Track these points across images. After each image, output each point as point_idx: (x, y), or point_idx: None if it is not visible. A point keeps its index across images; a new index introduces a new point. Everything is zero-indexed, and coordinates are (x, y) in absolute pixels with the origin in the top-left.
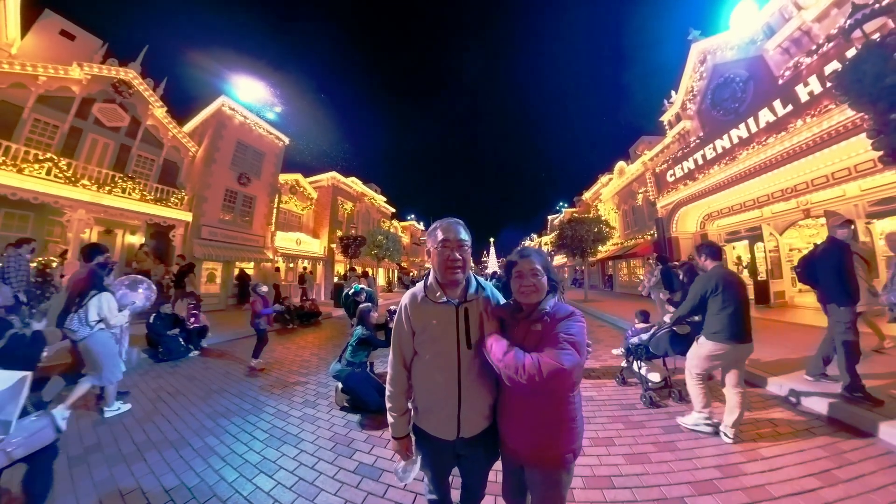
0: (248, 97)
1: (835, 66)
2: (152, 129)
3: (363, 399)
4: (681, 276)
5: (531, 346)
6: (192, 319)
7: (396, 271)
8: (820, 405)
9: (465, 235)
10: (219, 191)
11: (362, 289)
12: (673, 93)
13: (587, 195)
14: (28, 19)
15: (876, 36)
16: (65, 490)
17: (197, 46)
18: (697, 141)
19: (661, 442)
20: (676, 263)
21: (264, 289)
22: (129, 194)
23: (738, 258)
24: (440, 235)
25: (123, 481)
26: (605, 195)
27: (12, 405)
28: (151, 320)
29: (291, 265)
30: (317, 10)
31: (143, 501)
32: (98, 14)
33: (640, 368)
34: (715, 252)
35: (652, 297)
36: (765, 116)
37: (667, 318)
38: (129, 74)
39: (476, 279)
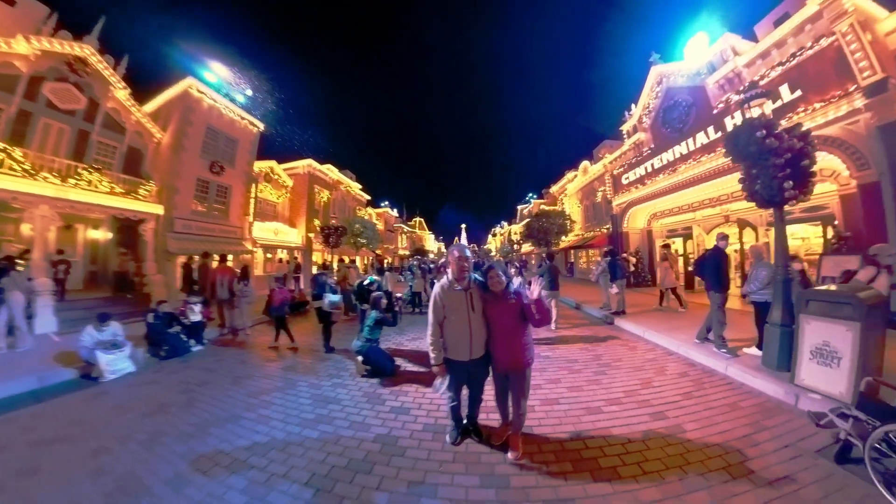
0: (216, 78)
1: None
2: (113, 112)
3: (381, 366)
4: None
5: (511, 313)
6: (192, 312)
7: (373, 258)
8: (697, 355)
9: (468, 254)
10: (190, 181)
11: (375, 280)
12: (633, 106)
13: (555, 188)
14: None
15: (757, 111)
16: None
17: (156, 19)
18: (649, 151)
19: (590, 380)
20: (624, 255)
21: (282, 283)
22: (96, 187)
23: (675, 251)
24: (457, 254)
25: (200, 449)
26: (570, 190)
27: None
28: (151, 320)
29: (269, 255)
30: None
31: (230, 459)
32: None
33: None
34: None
35: (600, 283)
36: (700, 139)
37: (612, 296)
38: (86, 50)
39: (472, 275)
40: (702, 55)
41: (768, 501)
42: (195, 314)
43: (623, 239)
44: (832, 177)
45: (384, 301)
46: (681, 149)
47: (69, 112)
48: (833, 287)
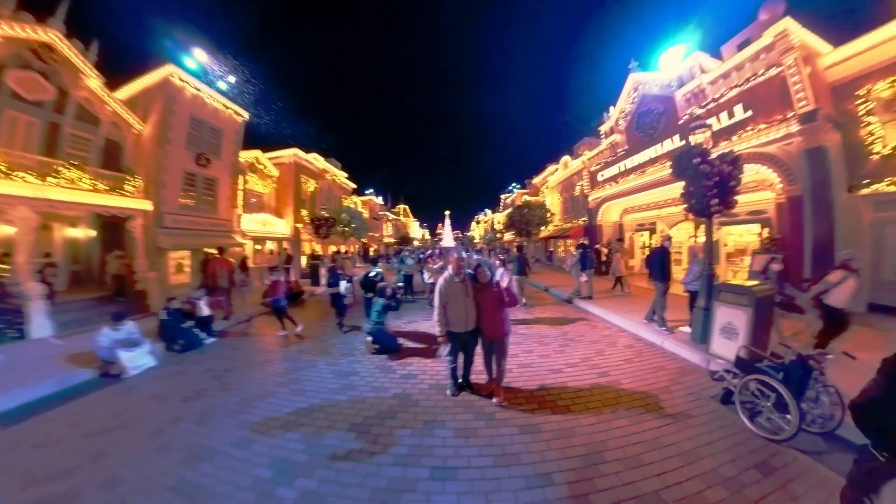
0: (196, 64)
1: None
2: (85, 102)
3: (388, 344)
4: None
5: (493, 298)
6: (201, 306)
7: (359, 247)
8: (642, 332)
9: (464, 254)
10: (177, 174)
11: (379, 272)
12: (612, 108)
13: (537, 180)
14: None
15: (701, 138)
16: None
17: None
18: (623, 153)
19: (556, 350)
20: (597, 246)
21: (281, 276)
22: (78, 184)
23: (644, 244)
24: (456, 256)
25: (251, 419)
26: (550, 182)
27: None
28: (164, 316)
29: (259, 247)
30: None
31: (281, 422)
32: None
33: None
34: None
35: (571, 273)
36: (667, 145)
37: (582, 283)
38: (51, 35)
39: (466, 270)
40: (674, 68)
41: (669, 424)
42: (203, 309)
43: (597, 231)
44: (771, 187)
45: (389, 290)
46: (650, 152)
47: (37, 104)
48: (736, 282)
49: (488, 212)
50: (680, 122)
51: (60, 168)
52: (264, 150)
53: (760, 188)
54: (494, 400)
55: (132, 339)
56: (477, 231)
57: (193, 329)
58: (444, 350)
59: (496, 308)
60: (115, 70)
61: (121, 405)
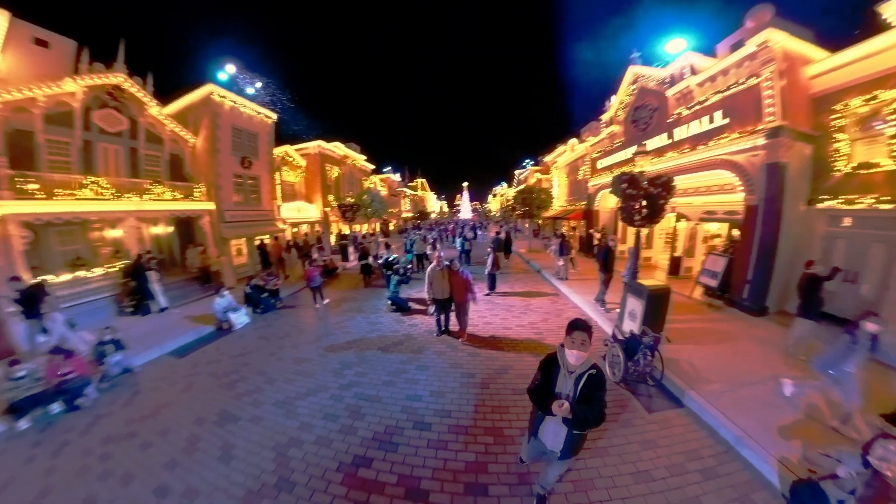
0: (227, 77)
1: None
2: (150, 126)
3: (401, 305)
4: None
5: (460, 280)
6: (271, 282)
7: (380, 224)
8: (587, 308)
9: (443, 256)
10: (228, 178)
11: (396, 256)
12: (613, 97)
13: (548, 158)
14: None
15: (642, 162)
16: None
17: (164, 35)
18: (619, 144)
19: (515, 315)
20: (591, 230)
21: (315, 263)
22: (162, 196)
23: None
24: (437, 255)
25: (325, 343)
26: (559, 163)
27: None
28: (249, 290)
29: (295, 230)
30: None
31: (342, 345)
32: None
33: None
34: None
35: (553, 255)
36: (655, 142)
37: (560, 266)
38: (119, 77)
39: (445, 262)
40: (670, 66)
41: None
42: (272, 284)
43: (594, 216)
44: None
45: (401, 269)
46: (641, 147)
47: (116, 134)
48: (639, 281)
49: (504, 184)
50: (668, 121)
51: (150, 186)
52: (291, 143)
53: (738, 191)
54: (460, 340)
55: (233, 305)
56: (493, 204)
57: (269, 298)
58: (431, 309)
59: (461, 286)
60: (161, 91)
61: (242, 344)
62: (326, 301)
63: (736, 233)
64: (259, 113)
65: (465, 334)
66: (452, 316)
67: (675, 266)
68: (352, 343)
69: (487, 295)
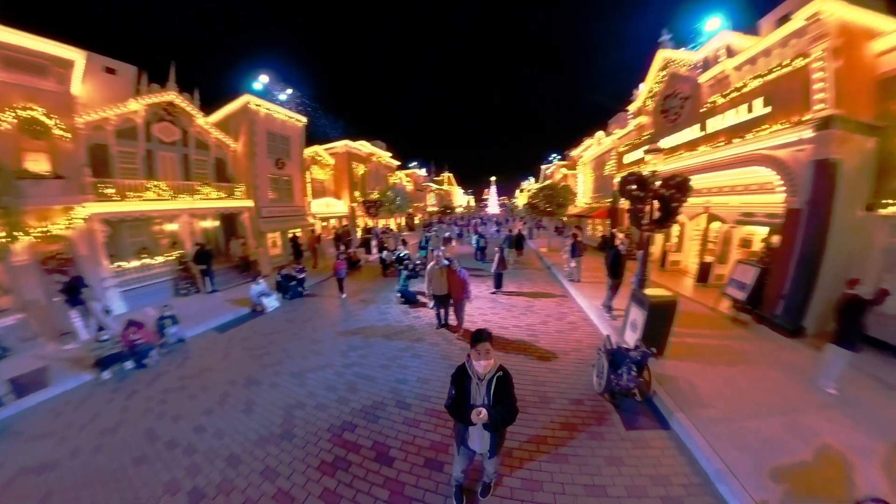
0: (261, 87)
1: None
2: (198, 135)
3: (409, 298)
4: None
5: (457, 278)
6: (298, 274)
7: (405, 218)
8: (591, 313)
9: (444, 259)
10: (265, 178)
11: (407, 253)
12: (642, 86)
13: (575, 153)
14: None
15: (651, 158)
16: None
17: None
18: (647, 137)
19: (514, 315)
20: (614, 231)
21: (343, 257)
22: (210, 196)
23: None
24: (436, 254)
25: (340, 329)
26: (585, 157)
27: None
28: (279, 278)
29: (325, 224)
30: None
31: (353, 329)
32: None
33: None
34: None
35: (565, 256)
36: (686, 135)
37: (572, 268)
38: (171, 95)
39: (444, 262)
40: (703, 47)
41: (545, 370)
42: (300, 274)
43: (618, 215)
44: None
45: (411, 265)
46: (670, 140)
47: (171, 143)
48: (646, 291)
49: (531, 179)
50: (701, 111)
51: (199, 187)
52: (321, 143)
53: (779, 191)
54: (455, 334)
55: (266, 291)
56: (521, 199)
57: (296, 286)
58: (431, 303)
59: (459, 284)
60: (206, 102)
61: (271, 324)
62: (344, 295)
63: (777, 239)
64: (291, 117)
65: (462, 329)
66: (452, 311)
67: (704, 273)
68: (361, 329)
69: (493, 293)
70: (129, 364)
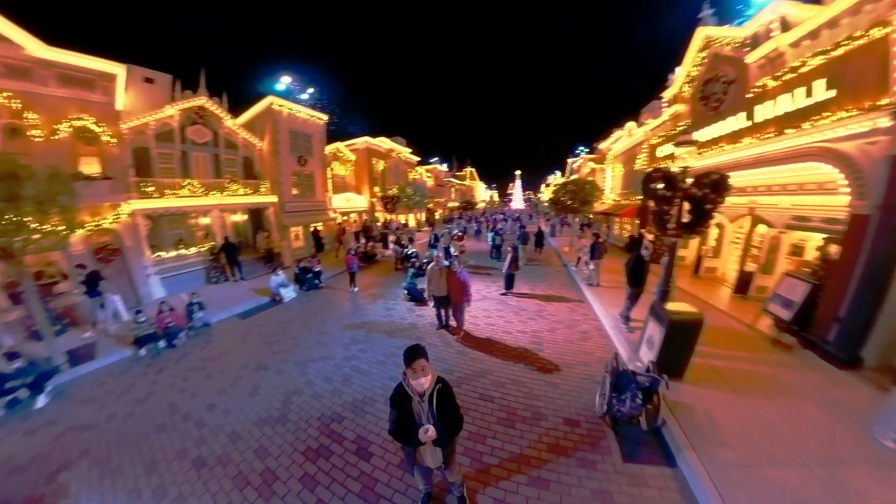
0: (284, 87)
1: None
2: (227, 136)
3: (415, 296)
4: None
5: (456, 280)
6: (314, 267)
7: (425, 213)
8: (607, 323)
9: (444, 262)
10: (288, 175)
11: (415, 251)
12: (678, 70)
13: (603, 145)
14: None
15: (684, 151)
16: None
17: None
18: (684, 126)
19: (521, 320)
20: (642, 231)
21: (353, 252)
22: (238, 192)
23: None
24: (436, 254)
25: (346, 322)
26: (615, 150)
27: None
28: (297, 271)
29: (345, 218)
30: None
31: (359, 323)
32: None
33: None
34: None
35: (582, 258)
36: (729, 125)
37: (591, 271)
38: (202, 100)
39: (443, 262)
40: (751, 21)
41: (545, 384)
42: (317, 267)
43: (649, 213)
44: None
45: (417, 263)
46: (710, 131)
47: (203, 144)
48: (668, 305)
49: (557, 173)
50: (749, 96)
51: (228, 184)
52: (342, 140)
53: (841, 193)
54: (455, 336)
55: (285, 282)
56: (546, 193)
57: (313, 279)
58: (431, 303)
59: (458, 286)
60: (233, 104)
61: (286, 314)
62: (356, 289)
63: (835, 249)
64: (312, 116)
65: (462, 331)
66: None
67: (744, 283)
68: (366, 324)
69: (503, 294)
70: (161, 343)
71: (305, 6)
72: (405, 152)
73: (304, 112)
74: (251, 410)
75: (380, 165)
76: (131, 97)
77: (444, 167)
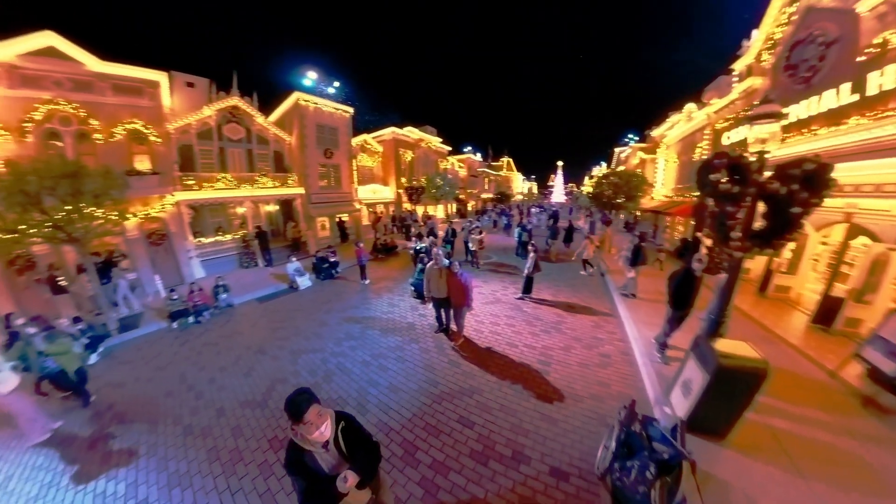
0: (310, 83)
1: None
2: (259, 132)
3: (421, 293)
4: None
5: (457, 281)
6: (331, 257)
7: (455, 204)
8: (636, 349)
9: (443, 261)
10: (315, 167)
11: (424, 247)
12: (754, 33)
13: (656, 132)
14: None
15: (763, 131)
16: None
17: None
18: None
19: (532, 333)
20: (699, 234)
21: (362, 244)
22: (267, 185)
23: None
24: (435, 252)
25: (350, 315)
26: (669, 138)
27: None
28: (315, 261)
29: (371, 210)
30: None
31: (360, 317)
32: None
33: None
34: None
35: (622, 263)
36: (826, 101)
37: (629, 279)
38: (235, 100)
39: (444, 262)
40: None
41: (540, 419)
42: (334, 257)
43: (706, 215)
44: None
45: (426, 259)
46: (798, 110)
47: (238, 140)
48: (719, 343)
49: (603, 165)
50: (859, 60)
51: (259, 177)
52: (369, 132)
53: None
54: (452, 342)
55: (301, 270)
56: (589, 186)
57: (330, 268)
58: (430, 304)
59: (459, 288)
60: (263, 102)
61: (298, 302)
62: (367, 282)
63: None
64: (338, 109)
65: (462, 338)
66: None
67: (828, 311)
68: (365, 318)
69: (519, 299)
70: (190, 319)
71: (305, 6)
72: (435, 142)
73: (329, 106)
74: (241, 391)
75: (408, 156)
76: (176, 100)
77: (479, 157)
